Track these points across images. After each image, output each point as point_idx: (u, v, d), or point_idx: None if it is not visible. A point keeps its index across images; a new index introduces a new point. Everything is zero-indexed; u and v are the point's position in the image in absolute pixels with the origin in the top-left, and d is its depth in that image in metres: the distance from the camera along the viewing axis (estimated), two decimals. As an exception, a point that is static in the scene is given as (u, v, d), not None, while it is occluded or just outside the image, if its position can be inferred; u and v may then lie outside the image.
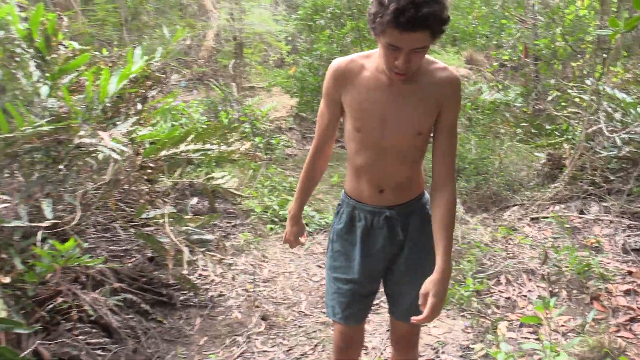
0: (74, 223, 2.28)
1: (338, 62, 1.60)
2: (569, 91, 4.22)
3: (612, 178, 4.05)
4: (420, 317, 1.49)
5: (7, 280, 2.09)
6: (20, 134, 2.40)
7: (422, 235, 1.67)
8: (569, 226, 3.74)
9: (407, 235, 1.69)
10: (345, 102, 1.60)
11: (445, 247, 1.52)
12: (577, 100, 4.04)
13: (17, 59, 2.96)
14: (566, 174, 3.86)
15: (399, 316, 1.78)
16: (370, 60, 1.57)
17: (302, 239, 1.94)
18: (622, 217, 3.66)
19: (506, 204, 4.32)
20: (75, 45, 3.48)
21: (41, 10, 2.77)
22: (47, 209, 2.26)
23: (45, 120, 2.56)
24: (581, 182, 4.14)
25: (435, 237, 1.55)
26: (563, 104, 4.36)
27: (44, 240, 2.52)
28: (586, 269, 2.87)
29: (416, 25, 1.28)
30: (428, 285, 1.51)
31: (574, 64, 4.33)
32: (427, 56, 1.49)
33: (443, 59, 10.38)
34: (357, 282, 1.72)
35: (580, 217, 3.84)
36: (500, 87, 8.36)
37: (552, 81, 4.40)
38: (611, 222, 3.64)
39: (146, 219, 3.16)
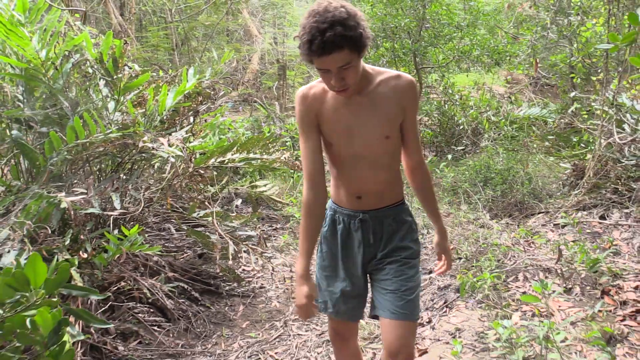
0: (138, 212, 2.69)
1: (302, 90, 1.73)
2: (592, 104, 4.43)
3: (634, 186, 4.21)
4: (441, 269, 1.95)
5: (85, 256, 2.50)
6: (94, 139, 2.86)
7: (396, 236, 1.80)
8: (590, 231, 3.93)
9: (381, 238, 1.80)
10: (319, 121, 1.72)
11: (435, 212, 1.88)
12: (597, 112, 4.24)
13: (90, 78, 3.47)
14: (585, 181, 4.05)
15: (385, 313, 1.73)
16: None
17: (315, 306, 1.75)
18: (641, 222, 3.82)
19: (531, 212, 4.53)
20: (137, 67, 3.99)
21: (111, 37, 3.26)
22: (116, 200, 2.69)
23: (114, 128, 3.02)
24: (605, 190, 4.31)
25: (425, 207, 1.87)
26: (585, 116, 4.56)
27: (113, 228, 2.96)
28: (595, 264, 3.07)
29: (326, 49, 1.43)
30: (437, 247, 1.95)
31: (593, 78, 4.53)
32: (377, 68, 1.70)
33: (482, 79, 10.62)
34: (344, 280, 1.86)
35: (601, 223, 4.02)
36: (535, 103, 8.54)
37: (572, 94, 4.60)
38: (629, 226, 3.81)
39: (197, 218, 3.57)
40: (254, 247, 3.41)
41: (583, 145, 4.69)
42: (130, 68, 3.64)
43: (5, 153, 2.97)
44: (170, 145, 2.93)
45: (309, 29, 1.44)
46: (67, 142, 2.80)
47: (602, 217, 4.11)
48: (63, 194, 2.53)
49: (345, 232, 1.83)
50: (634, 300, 2.98)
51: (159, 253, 3.21)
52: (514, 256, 3.62)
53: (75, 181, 2.91)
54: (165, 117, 3.40)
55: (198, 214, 3.52)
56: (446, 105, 7.79)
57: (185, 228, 3.49)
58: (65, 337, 1.43)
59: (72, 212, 2.44)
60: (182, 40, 10.55)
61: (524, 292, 3.24)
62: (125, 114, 3.39)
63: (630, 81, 4.19)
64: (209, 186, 4.13)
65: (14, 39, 2.71)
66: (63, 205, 2.42)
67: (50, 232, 2.49)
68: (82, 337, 1.97)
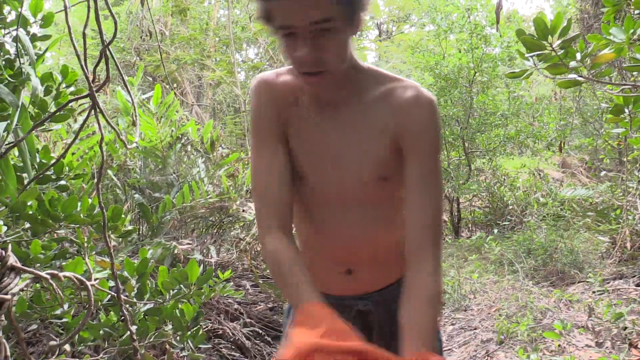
0: (233, 258, 3.36)
1: (264, 76, 1.13)
2: (626, 182, 4.89)
3: (669, 258, 4.55)
4: None
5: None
6: (197, 203, 3.62)
7: None
8: (625, 297, 4.26)
9: (392, 335, 1.03)
10: (287, 133, 1.11)
11: (426, 326, 0.95)
12: (631, 190, 4.69)
13: (189, 155, 4.31)
14: (616, 251, 4.43)
15: None
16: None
17: None
18: (674, 289, 4.14)
19: (571, 281, 4.88)
20: (221, 148, 4.85)
21: (211, 125, 4.12)
22: (212, 250, 3.38)
23: (209, 196, 3.78)
24: (641, 261, 4.66)
25: (411, 317, 0.96)
26: (618, 193, 4.99)
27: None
28: (619, 317, 3.44)
29: None
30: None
31: (624, 158, 4.99)
32: (388, 73, 1.12)
33: (534, 164, 11.06)
34: None
35: (636, 290, 4.35)
36: (586, 185, 8.90)
37: (602, 173, 5.05)
38: (661, 291, 4.14)
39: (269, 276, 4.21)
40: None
41: (621, 220, 5.08)
42: (224, 148, 4.48)
43: (127, 212, 3.77)
44: (255, 208, 3.65)
45: None
46: (176, 204, 3.57)
47: (638, 285, 4.43)
48: (174, 243, 3.26)
49: None
50: (658, 352, 3.31)
51: (238, 300, 3.84)
52: (552, 315, 4.00)
53: (182, 235, 3.65)
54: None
55: (272, 270, 4.15)
56: (495, 187, 8.29)
57: (261, 281, 4.12)
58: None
59: (181, 257, 3.15)
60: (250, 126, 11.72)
61: (559, 345, 3.62)
62: (216, 186, 4.18)
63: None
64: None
65: (144, 125, 3.58)
66: (176, 251, 3.13)
67: (165, 270, 3.18)
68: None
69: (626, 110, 1.46)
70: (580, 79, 1.41)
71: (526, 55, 1.34)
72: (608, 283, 4.63)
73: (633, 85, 1.51)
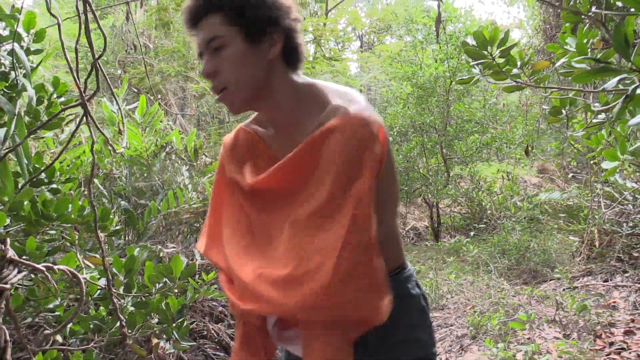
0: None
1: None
2: (594, 183, 5.13)
3: (635, 254, 4.78)
4: None
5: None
6: (181, 208, 3.76)
7: (399, 324, 1.15)
8: (594, 292, 4.47)
9: (372, 335, 1.10)
10: None
11: None
12: (597, 191, 4.93)
13: (173, 163, 4.45)
14: (583, 250, 4.66)
15: None
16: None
17: None
18: (638, 282, 4.37)
19: (543, 279, 5.09)
20: (204, 156, 4.99)
21: (194, 133, 4.27)
22: (197, 254, 3.52)
23: (193, 202, 3.93)
24: (609, 259, 4.89)
25: None
26: (587, 194, 5.24)
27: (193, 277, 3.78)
28: (583, 308, 3.64)
29: (193, 12, 1.04)
30: None
31: (591, 161, 5.26)
32: (326, 91, 1.07)
33: (513, 169, 11.35)
34: None
35: (604, 285, 4.56)
36: (562, 189, 9.18)
37: (570, 175, 5.29)
38: (624, 286, 4.35)
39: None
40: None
41: (591, 221, 5.32)
42: (205, 157, 4.63)
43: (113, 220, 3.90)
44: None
45: None
46: (161, 210, 3.70)
47: (605, 281, 4.65)
48: (160, 246, 3.39)
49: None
50: (621, 341, 3.51)
51: (222, 302, 3.97)
52: (523, 311, 4.20)
53: (167, 239, 3.78)
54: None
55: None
56: (473, 192, 8.53)
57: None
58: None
59: (167, 260, 3.28)
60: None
61: (529, 338, 3.80)
62: (199, 192, 4.32)
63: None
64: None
65: (130, 134, 3.72)
66: (161, 254, 3.27)
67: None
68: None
69: (563, 111, 1.65)
70: (521, 84, 1.59)
71: (471, 63, 1.53)
72: (577, 280, 4.84)
73: (559, 89, 1.70)
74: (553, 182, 12.80)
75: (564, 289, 4.76)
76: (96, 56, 1.68)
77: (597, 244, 5.05)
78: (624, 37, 0.87)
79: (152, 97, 7.25)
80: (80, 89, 1.69)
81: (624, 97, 0.95)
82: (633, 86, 0.93)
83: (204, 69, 1.04)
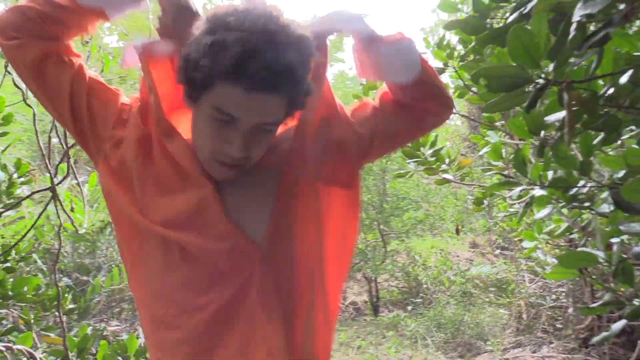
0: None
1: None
2: (519, 260, 5.54)
3: (559, 326, 5.13)
4: None
5: None
6: (125, 285, 3.76)
7: None
8: (524, 364, 4.73)
9: None
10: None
11: None
12: (522, 267, 5.33)
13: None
14: (510, 322, 4.97)
15: None
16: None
17: None
18: (562, 353, 4.68)
19: (477, 351, 5.33)
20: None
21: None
22: (141, 332, 3.51)
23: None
24: (536, 330, 5.22)
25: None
26: (513, 269, 5.65)
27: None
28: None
29: (267, 82, 0.79)
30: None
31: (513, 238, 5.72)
32: None
33: (446, 245, 11.85)
34: None
35: (533, 357, 4.85)
36: (492, 263, 9.68)
37: (497, 252, 5.72)
38: (550, 357, 4.65)
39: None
40: None
41: (517, 295, 5.68)
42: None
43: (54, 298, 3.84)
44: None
45: (249, 33, 0.78)
46: (105, 287, 3.69)
47: (534, 352, 4.94)
48: (103, 324, 3.37)
49: None
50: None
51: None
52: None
53: (110, 317, 3.75)
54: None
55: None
56: (410, 267, 8.82)
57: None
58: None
59: (111, 339, 3.27)
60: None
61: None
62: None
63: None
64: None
65: (77, 211, 3.76)
66: (105, 332, 3.26)
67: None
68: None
69: (485, 201, 1.95)
70: (449, 178, 1.87)
71: (407, 161, 1.80)
72: (508, 352, 5.10)
73: (479, 185, 2.01)
74: (484, 257, 13.42)
75: (496, 361, 5.00)
76: (69, 145, 1.82)
77: (524, 316, 5.38)
78: (522, 159, 1.14)
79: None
80: (51, 174, 1.82)
81: (524, 204, 1.22)
82: (529, 195, 1.20)
83: (240, 151, 0.85)
